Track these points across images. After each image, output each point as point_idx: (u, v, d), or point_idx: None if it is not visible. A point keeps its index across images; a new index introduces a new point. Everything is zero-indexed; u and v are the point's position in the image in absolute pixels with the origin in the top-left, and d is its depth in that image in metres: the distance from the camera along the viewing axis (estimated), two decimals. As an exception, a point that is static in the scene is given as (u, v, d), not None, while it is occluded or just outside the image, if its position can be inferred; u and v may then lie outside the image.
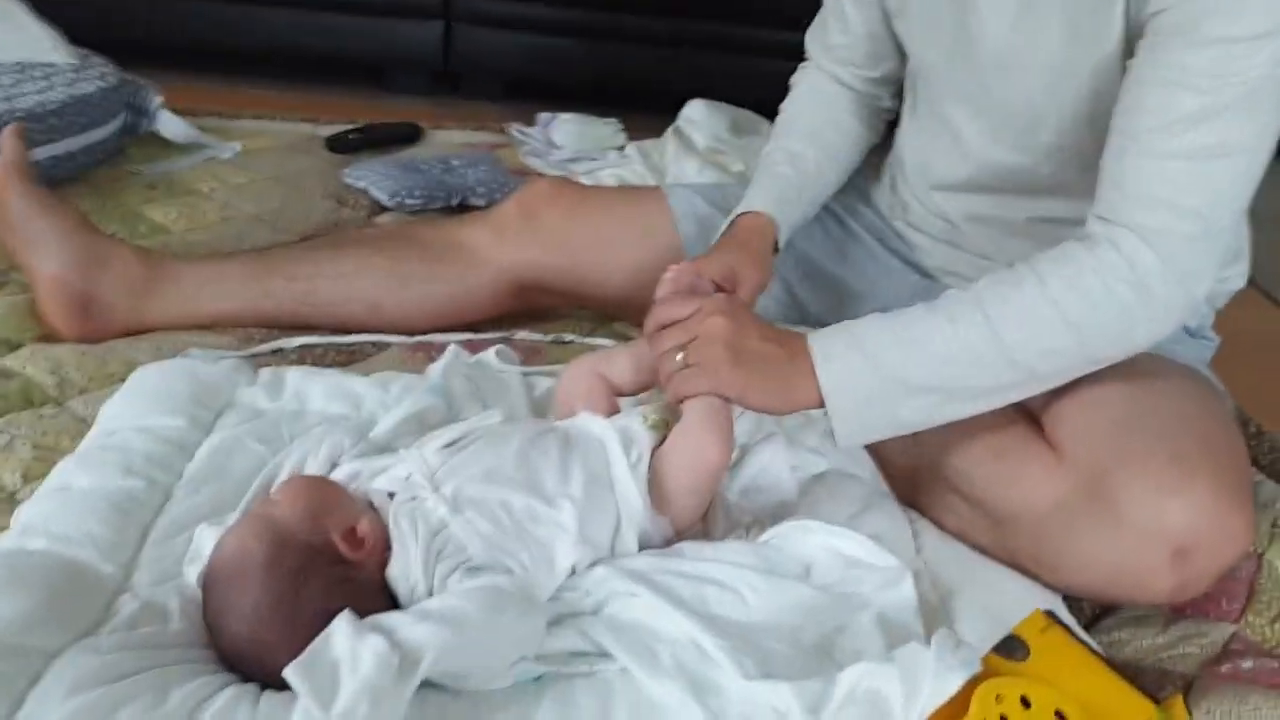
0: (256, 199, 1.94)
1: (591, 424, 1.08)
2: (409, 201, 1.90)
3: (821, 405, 1.06)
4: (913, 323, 1.05)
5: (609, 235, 1.51)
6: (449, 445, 1.05)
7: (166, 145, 2.08)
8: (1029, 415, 1.17)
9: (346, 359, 1.47)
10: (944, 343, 1.03)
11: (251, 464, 1.14)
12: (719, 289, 1.16)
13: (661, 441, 1.06)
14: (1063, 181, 1.21)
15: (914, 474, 1.23)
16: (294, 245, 1.61)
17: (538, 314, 1.59)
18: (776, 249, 1.31)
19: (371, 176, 1.95)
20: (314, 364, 1.44)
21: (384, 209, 1.93)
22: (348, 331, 1.51)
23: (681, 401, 1.06)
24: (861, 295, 1.46)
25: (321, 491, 1.00)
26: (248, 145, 2.17)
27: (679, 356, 1.05)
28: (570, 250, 1.50)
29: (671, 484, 1.04)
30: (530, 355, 1.52)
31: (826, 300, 1.48)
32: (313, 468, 1.07)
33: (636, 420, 1.08)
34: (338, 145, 2.18)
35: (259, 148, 2.17)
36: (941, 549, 1.16)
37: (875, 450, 1.27)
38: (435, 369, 1.33)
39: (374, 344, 1.51)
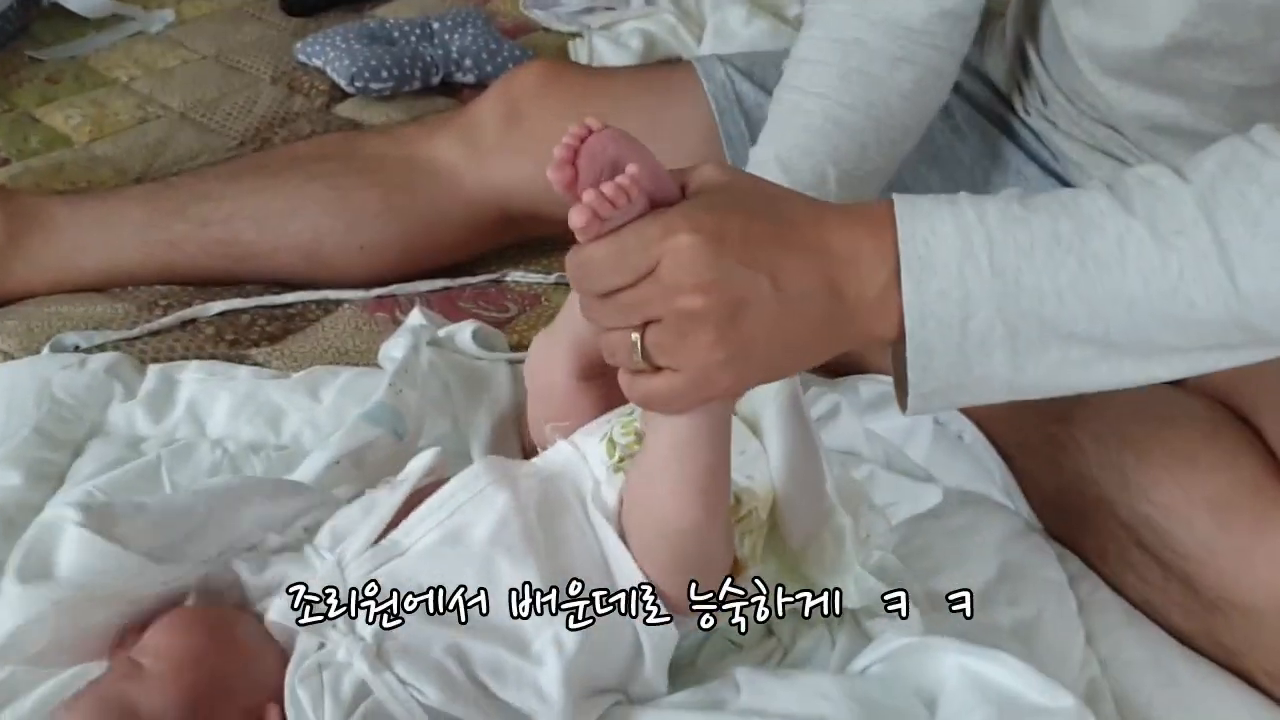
0: (187, 88, 1.55)
1: (571, 468, 0.72)
2: (374, 85, 1.49)
3: (894, 339, 0.63)
4: (1084, 226, 0.61)
5: None
6: (380, 541, 0.68)
7: (80, 22, 1.67)
8: (1253, 431, 0.79)
9: (281, 329, 1.10)
10: (1139, 271, 0.60)
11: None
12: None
13: None
14: None
15: (1072, 502, 0.86)
16: (206, 172, 1.23)
17: (533, 247, 1.21)
18: None
19: (328, 53, 1.54)
20: (238, 338, 1.08)
21: (345, 95, 1.53)
22: (282, 287, 1.14)
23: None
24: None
25: (215, 654, 0.65)
26: (184, 11, 1.76)
27: (633, 338, 0.61)
28: None
29: (641, 557, 0.68)
30: (529, 303, 1.14)
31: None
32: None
33: (598, 455, 0.71)
34: (295, 3, 1.76)
35: (197, 15, 1.76)
36: (1127, 643, 0.78)
37: (1012, 462, 0.89)
38: (391, 348, 0.96)
39: (318, 304, 1.13)
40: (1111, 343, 0.62)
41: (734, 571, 0.71)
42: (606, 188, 0.58)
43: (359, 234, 1.13)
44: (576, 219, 0.58)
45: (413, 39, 1.60)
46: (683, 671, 0.74)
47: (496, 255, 1.20)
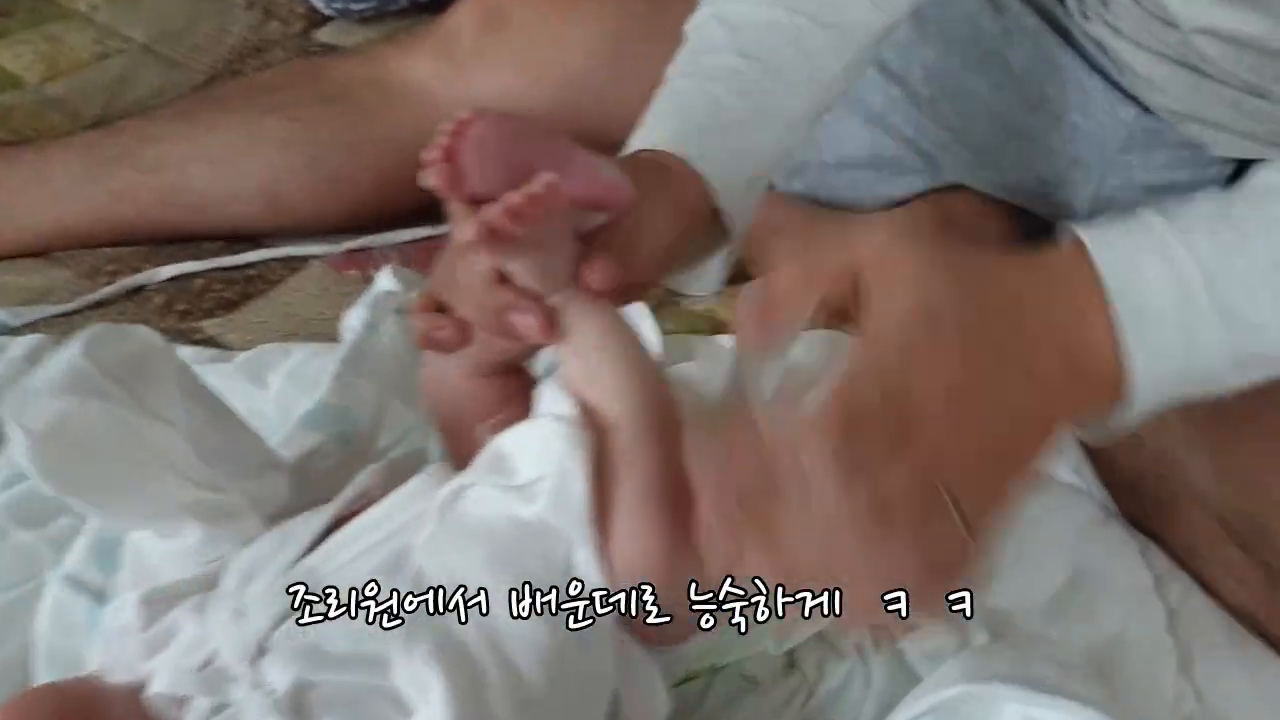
0: (151, 18, 1.40)
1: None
2: (355, 5, 1.34)
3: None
4: None
5: (628, 38, 0.98)
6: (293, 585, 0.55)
7: (39, -55, 1.53)
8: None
9: (240, 294, 0.97)
10: None
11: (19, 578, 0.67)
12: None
13: None
14: None
15: (1153, 489, 0.71)
16: (153, 113, 1.10)
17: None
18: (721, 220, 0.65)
19: (304, -30, 1.39)
20: (190, 308, 0.96)
21: (325, 19, 1.38)
22: (242, 240, 1.01)
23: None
24: (1037, 138, 0.89)
25: None
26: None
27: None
28: (567, 71, 0.99)
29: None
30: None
31: (971, 147, 0.92)
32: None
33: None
34: (275, -81, 1.61)
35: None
36: (1230, 670, 0.64)
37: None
38: (353, 318, 0.82)
39: (282, 263, 1.00)
40: None
41: None
42: (513, 199, 0.45)
43: (323, 170, 1.00)
44: (466, 232, 0.45)
45: (398, -49, 1.45)
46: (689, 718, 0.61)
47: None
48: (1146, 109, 0.85)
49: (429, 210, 0.98)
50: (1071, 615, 0.66)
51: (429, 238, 1.01)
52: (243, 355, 0.84)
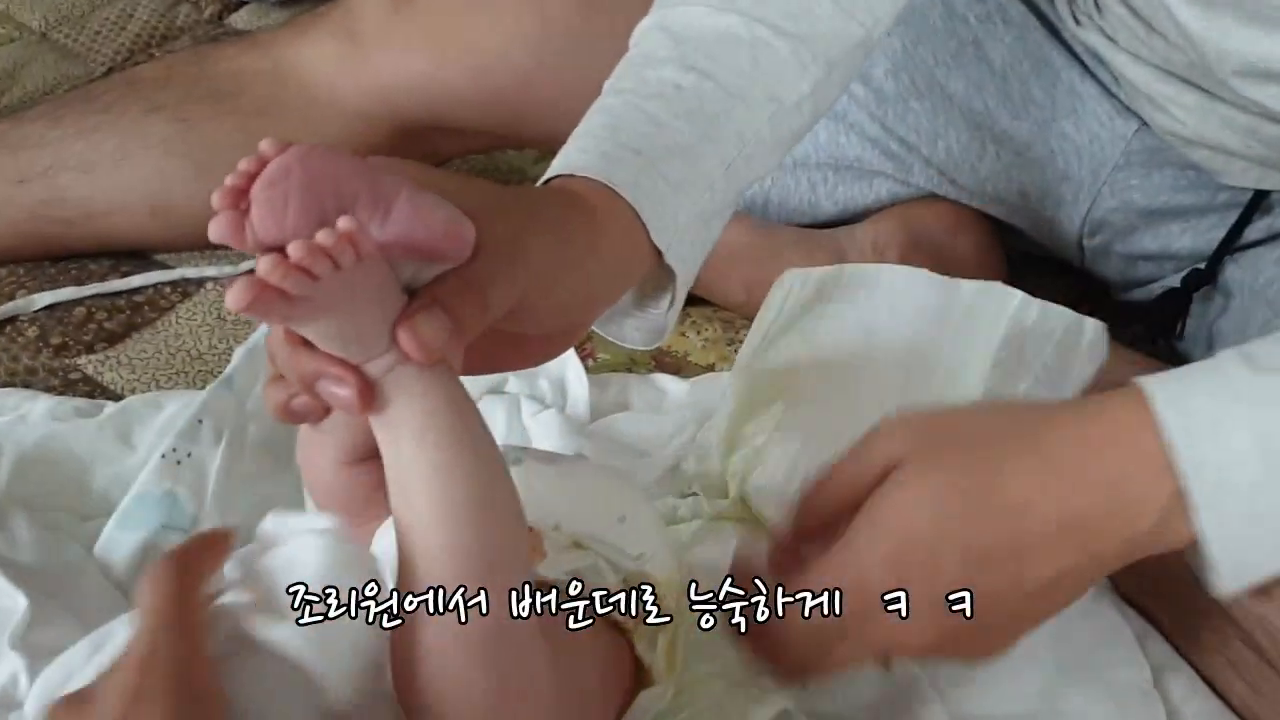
0: (51, 2, 1.28)
1: None
2: (276, -18, 1.23)
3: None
4: None
5: (557, 16, 0.88)
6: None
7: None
8: None
9: (124, 325, 0.87)
10: None
11: None
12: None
13: None
14: None
15: (1155, 572, 0.62)
16: (25, 114, 0.98)
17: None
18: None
19: (217, -52, 1.27)
20: (66, 341, 0.86)
21: (240, 3, 1.26)
22: (127, 254, 0.92)
23: None
24: (1020, 146, 0.79)
25: None
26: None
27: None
28: (482, 53, 0.88)
29: None
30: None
31: (943, 150, 0.82)
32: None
33: None
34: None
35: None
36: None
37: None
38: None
39: (174, 287, 0.89)
40: None
41: (642, 683, 0.53)
42: (295, 250, 0.35)
43: (215, 174, 0.88)
44: (233, 295, 0.35)
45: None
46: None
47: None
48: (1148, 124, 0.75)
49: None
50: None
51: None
52: (109, 409, 0.73)
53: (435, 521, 0.41)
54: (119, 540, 0.58)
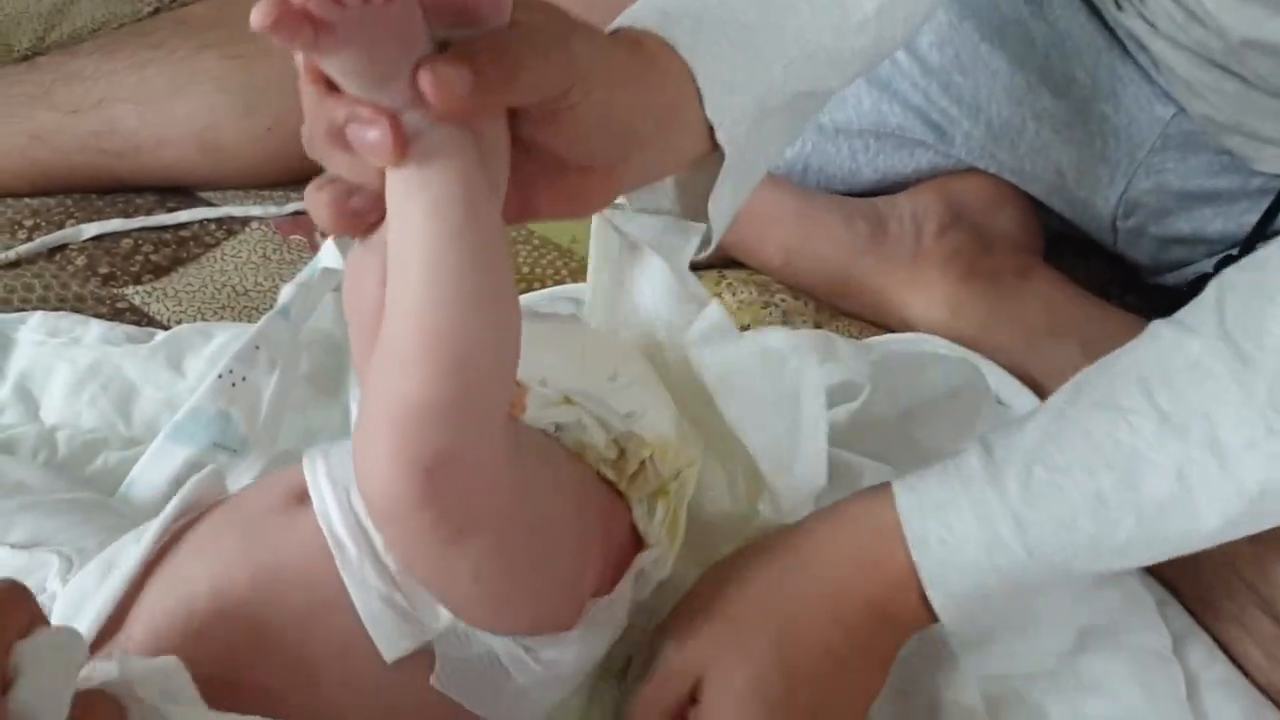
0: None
1: None
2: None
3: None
4: (1130, 471, 0.52)
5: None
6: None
7: None
8: None
9: (170, 259, 0.88)
10: (1212, 507, 0.51)
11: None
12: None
13: None
14: None
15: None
16: (79, 48, 1.00)
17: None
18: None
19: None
20: (114, 272, 0.87)
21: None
22: (176, 189, 0.93)
23: None
24: (1060, 124, 0.80)
25: None
26: None
27: None
28: None
29: None
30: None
31: (984, 124, 0.83)
32: None
33: None
34: None
35: None
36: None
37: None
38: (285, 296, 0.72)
39: (220, 223, 0.90)
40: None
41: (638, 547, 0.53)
42: None
43: (264, 112, 0.90)
44: (259, 16, 0.34)
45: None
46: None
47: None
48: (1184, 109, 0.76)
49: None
50: (1076, 685, 0.58)
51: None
52: (160, 337, 0.74)
53: (424, 299, 0.39)
54: (169, 452, 0.59)
